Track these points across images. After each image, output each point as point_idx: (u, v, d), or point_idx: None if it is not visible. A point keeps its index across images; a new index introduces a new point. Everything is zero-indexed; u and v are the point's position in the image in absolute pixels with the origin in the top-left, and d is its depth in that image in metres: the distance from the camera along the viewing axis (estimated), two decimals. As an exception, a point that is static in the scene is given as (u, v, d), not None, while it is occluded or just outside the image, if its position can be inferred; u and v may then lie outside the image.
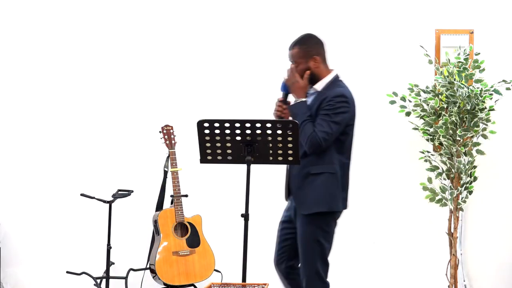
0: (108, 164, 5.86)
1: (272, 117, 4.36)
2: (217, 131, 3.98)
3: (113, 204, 5.48)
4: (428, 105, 5.40)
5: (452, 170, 5.39)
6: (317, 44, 4.36)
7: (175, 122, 5.59)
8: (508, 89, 5.41)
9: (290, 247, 4.40)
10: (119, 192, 5.52)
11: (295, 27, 5.69)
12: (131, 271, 5.52)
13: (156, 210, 5.50)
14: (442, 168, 5.46)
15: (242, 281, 3.95)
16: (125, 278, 5.46)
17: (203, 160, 4.10)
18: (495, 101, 5.38)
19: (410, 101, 5.48)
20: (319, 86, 4.31)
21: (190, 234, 5.43)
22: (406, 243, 5.81)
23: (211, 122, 3.98)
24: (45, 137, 5.89)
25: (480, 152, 5.41)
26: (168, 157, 5.48)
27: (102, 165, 5.86)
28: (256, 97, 5.67)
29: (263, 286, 3.76)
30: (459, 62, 5.38)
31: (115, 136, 5.86)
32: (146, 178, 5.76)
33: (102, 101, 5.89)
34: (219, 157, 4.06)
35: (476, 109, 5.30)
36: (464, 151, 5.32)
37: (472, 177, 5.38)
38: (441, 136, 5.28)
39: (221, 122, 3.97)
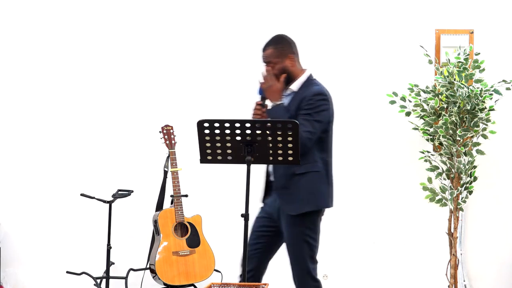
0: (108, 164, 5.86)
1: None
2: (217, 131, 3.98)
3: (113, 204, 5.49)
4: (428, 105, 5.40)
5: (452, 170, 5.40)
6: (291, 44, 4.38)
7: (175, 122, 5.59)
8: (508, 89, 5.41)
9: (264, 245, 4.36)
10: (119, 192, 5.52)
11: (295, 27, 5.71)
12: (131, 271, 5.52)
13: (156, 210, 5.50)
14: (442, 168, 5.46)
15: (242, 281, 3.95)
16: (125, 278, 5.46)
17: (203, 160, 4.09)
18: (495, 101, 5.38)
19: (410, 101, 5.48)
20: (295, 86, 4.33)
21: (190, 234, 5.43)
22: (406, 243, 5.81)
23: (211, 122, 3.97)
24: (45, 137, 5.89)
25: (480, 152, 5.40)
26: (168, 157, 5.48)
27: (102, 165, 5.86)
28: (256, 98, 5.66)
29: (263, 286, 3.76)
30: (459, 62, 5.38)
31: (115, 136, 5.86)
32: (146, 178, 5.76)
33: (102, 101, 5.89)
34: (219, 157, 4.06)
35: (476, 109, 5.30)
36: (464, 151, 5.32)
37: (472, 177, 5.38)
38: (441, 136, 5.28)
39: (221, 122, 3.97)
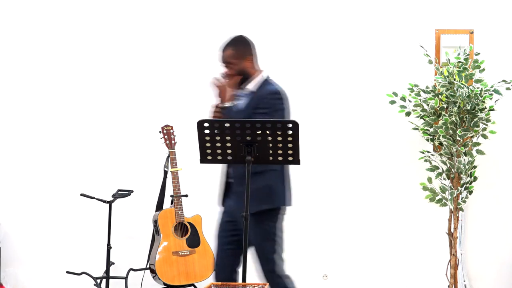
0: (108, 164, 5.86)
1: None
2: (217, 131, 3.98)
3: (113, 204, 5.48)
4: (428, 105, 5.40)
5: (452, 170, 5.39)
6: (249, 45, 4.45)
7: (175, 122, 5.59)
8: (508, 89, 5.41)
9: (235, 250, 4.41)
10: (119, 192, 5.52)
11: (295, 28, 5.70)
12: (131, 271, 5.52)
13: (156, 210, 5.50)
14: (442, 168, 5.46)
15: (242, 281, 3.95)
16: (125, 278, 5.46)
17: (203, 160, 4.10)
18: (495, 101, 5.38)
19: (410, 101, 5.48)
20: (252, 86, 4.38)
21: (190, 234, 5.43)
22: (406, 243, 5.81)
23: (211, 122, 3.98)
24: (45, 137, 5.89)
25: (480, 152, 5.40)
26: (168, 157, 5.48)
27: (102, 165, 5.86)
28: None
29: (263, 286, 3.76)
30: (459, 62, 5.38)
31: (115, 136, 5.86)
32: (146, 178, 5.75)
33: (102, 101, 5.89)
34: (219, 157, 4.06)
35: (476, 109, 5.30)
36: (464, 151, 5.32)
37: (472, 177, 5.38)
38: (441, 136, 5.28)
39: (221, 122, 3.97)
